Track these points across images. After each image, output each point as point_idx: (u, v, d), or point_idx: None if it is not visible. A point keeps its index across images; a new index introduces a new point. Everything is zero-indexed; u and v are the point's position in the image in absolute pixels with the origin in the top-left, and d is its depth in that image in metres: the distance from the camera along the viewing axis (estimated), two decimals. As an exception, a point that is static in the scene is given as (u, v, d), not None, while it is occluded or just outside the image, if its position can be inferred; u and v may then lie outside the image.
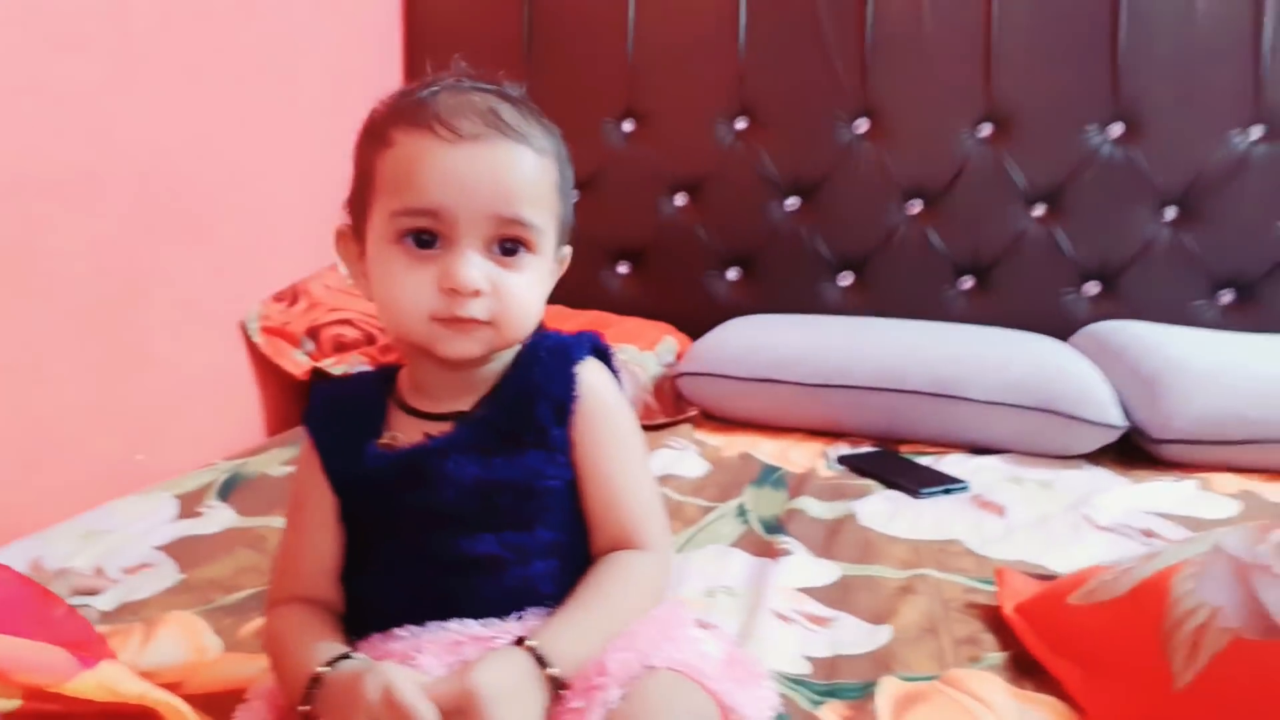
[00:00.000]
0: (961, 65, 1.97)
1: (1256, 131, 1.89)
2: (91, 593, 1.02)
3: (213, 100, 1.58)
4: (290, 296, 1.79)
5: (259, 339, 1.71)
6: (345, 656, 0.67)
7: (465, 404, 0.74)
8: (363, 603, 0.74)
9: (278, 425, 1.75)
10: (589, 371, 0.75)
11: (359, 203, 0.73)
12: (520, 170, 0.69)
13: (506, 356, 0.76)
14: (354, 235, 0.74)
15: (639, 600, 0.71)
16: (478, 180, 0.67)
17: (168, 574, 1.07)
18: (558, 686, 0.63)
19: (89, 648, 0.69)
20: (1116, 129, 1.93)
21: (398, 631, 0.70)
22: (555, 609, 0.69)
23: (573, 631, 0.66)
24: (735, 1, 2.03)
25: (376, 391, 0.78)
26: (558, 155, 0.73)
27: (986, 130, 1.98)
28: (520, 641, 0.64)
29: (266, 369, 1.73)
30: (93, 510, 1.24)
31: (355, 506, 0.75)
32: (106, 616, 0.97)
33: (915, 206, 2.02)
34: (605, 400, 0.75)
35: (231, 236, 1.65)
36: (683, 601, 0.76)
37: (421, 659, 0.67)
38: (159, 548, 1.14)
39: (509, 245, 0.70)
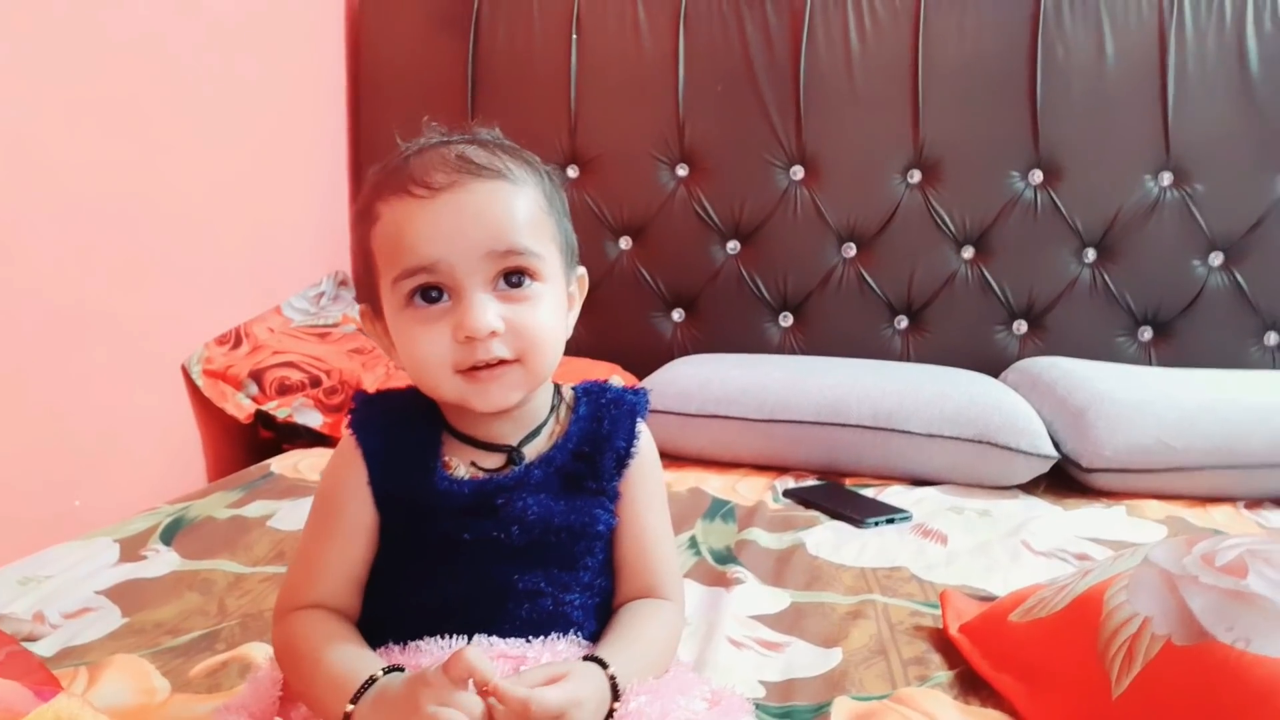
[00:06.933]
0: (891, 115, 2.06)
1: (1167, 178, 2.01)
2: (31, 639, 0.98)
3: (156, 141, 1.58)
4: (233, 339, 1.77)
5: (201, 382, 1.69)
6: (397, 668, 0.67)
7: (513, 438, 0.76)
8: (385, 615, 0.74)
9: (220, 469, 1.72)
10: (643, 429, 0.80)
11: (368, 282, 0.75)
12: (501, 203, 0.70)
13: (544, 394, 0.78)
14: (374, 314, 0.76)
15: (668, 646, 0.77)
16: (462, 224, 0.68)
17: (110, 618, 1.05)
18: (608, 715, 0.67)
19: (43, 684, 0.67)
20: (1037, 175, 2.04)
21: (421, 644, 0.71)
22: (577, 636, 0.74)
23: (626, 668, 0.69)
24: (674, 53, 2.10)
25: (427, 411, 0.77)
26: (539, 183, 0.74)
27: (916, 177, 2.07)
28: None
29: (209, 412, 1.70)
30: (30, 556, 1.20)
31: (403, 525, 0.74)
32: (48, 662, 0.93)
33: (850, 249, 2.09)
34: (653, 458, 0.81)
35: (173, 278, 1.63)
36: (686, 664, 0.81)
37: None
38: (100, 592, 1.11)
39: (514, 278, 0.70)
